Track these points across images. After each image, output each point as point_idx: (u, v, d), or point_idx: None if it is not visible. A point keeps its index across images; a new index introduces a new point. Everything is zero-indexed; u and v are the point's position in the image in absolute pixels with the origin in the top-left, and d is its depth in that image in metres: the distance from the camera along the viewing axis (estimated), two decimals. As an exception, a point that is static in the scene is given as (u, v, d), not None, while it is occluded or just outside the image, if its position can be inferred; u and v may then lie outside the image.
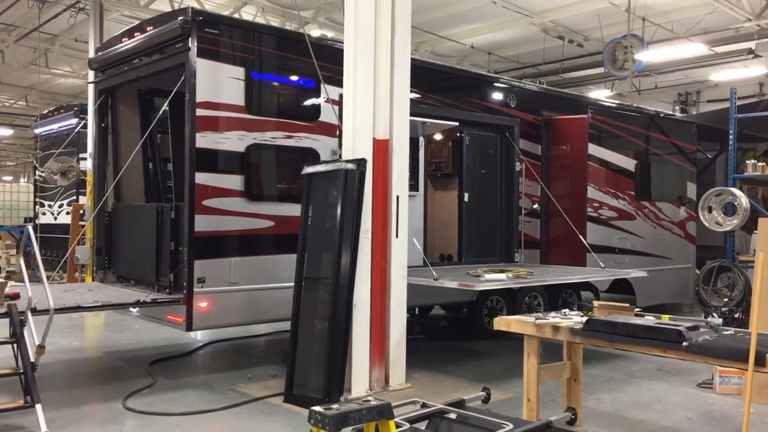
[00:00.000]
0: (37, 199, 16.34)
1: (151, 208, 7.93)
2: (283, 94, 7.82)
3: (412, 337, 10.69)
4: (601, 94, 18.82)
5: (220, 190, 7.18)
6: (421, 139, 9.23)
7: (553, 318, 5.39)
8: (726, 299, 6.95)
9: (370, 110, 6.83)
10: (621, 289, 11.22)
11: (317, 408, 3.34)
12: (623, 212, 10.91)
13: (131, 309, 7.72)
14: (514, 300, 9.99)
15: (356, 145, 6.75)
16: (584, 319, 5.08)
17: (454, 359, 8.53)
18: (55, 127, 15.16)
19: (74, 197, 14.59)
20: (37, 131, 16.41)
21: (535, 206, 10.44)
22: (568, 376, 5.77)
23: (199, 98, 6.97)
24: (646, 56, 13.41)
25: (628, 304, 5.39)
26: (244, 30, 7.56)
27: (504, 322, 5.42)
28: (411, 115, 8.59)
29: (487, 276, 7.31)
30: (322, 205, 6.67)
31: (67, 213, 14.36)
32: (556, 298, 10.75)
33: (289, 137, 7.74)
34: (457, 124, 8.80)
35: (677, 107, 19.74)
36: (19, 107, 26.49)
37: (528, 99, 10.49)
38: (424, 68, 9.71)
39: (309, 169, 6.81)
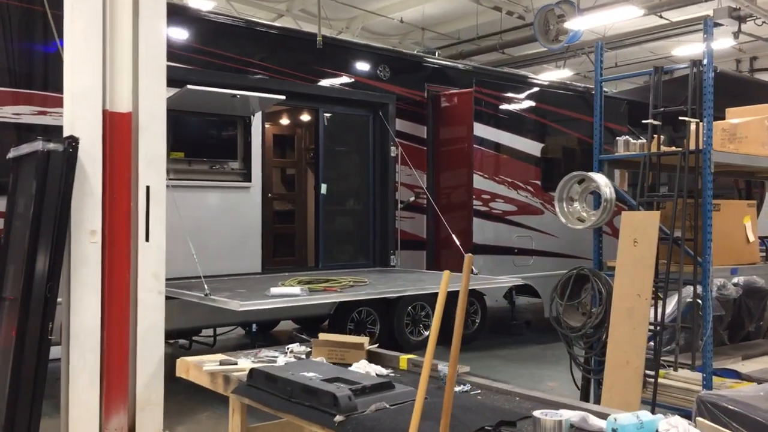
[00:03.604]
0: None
1: None
2: (28, 58, 6.15)
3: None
4: (557, 75, 16.94)
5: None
6: (255, 119, 7.54)
7: (260, 359, 3.69)
8: (587, 317, 5.17)
9: (98, 71, 5.11)
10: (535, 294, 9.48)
11: None
12: (525, 206, 9.05)
13: None
14: (391, 311, 8.31)
15: (75, 118, 5.04)
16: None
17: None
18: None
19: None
20: None
21: (413, 199, 8.67)
22: (312, 436, 4.05)
23: None
24: (578, 24, 11.56)
25: (362, 339, 3.65)
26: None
27: (184, 367, 3.72)
28: (239, 88, 7.00)
29: (274, 290, 5.58)
30: (28, 200, 5.02)
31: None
32: (451, 307, 9.02)
33: (43, 113, 6.10)
34: (283, 97, 7.05)
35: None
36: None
37: (406, 71, 8.74)
38: (259, 32, 8.01)
39: (15, 152, 5.16)
